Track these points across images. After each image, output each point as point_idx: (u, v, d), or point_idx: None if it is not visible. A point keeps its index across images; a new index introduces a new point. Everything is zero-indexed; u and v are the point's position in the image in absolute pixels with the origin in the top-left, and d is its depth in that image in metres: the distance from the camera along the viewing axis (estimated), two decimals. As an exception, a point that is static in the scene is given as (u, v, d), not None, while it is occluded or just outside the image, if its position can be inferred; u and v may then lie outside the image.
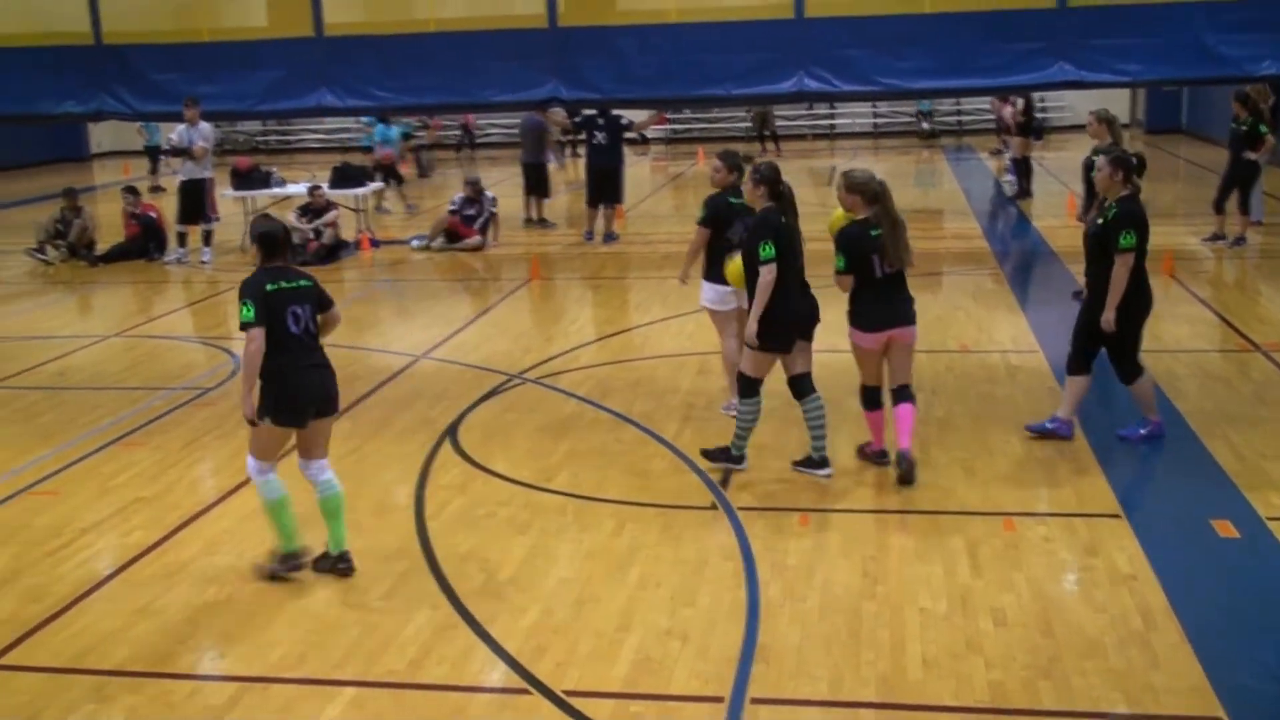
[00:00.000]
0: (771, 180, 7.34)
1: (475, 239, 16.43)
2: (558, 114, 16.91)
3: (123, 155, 31.93)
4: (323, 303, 6.33)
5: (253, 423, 6.18)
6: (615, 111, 16.52)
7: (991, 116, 25.38)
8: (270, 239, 6.24)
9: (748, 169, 7.63)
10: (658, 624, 5.71)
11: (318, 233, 16.00)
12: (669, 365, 9.87)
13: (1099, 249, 7.62)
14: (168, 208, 17.04)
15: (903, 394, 7.46)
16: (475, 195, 16.80)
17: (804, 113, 31.49)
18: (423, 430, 8.70)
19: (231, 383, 10.22)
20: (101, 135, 33.19)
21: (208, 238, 16.18)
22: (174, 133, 16.21)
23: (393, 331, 12.35)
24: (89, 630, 5.84)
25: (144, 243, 16.57)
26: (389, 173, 20.32)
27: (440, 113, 20.75)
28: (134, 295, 14.72)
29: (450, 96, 16.21)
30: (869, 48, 14.64)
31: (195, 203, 16.01)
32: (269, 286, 6.06)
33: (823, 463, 7.53)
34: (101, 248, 16.65)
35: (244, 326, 6.00)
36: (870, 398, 7.63)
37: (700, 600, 5.93)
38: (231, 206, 17.84)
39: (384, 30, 16.11)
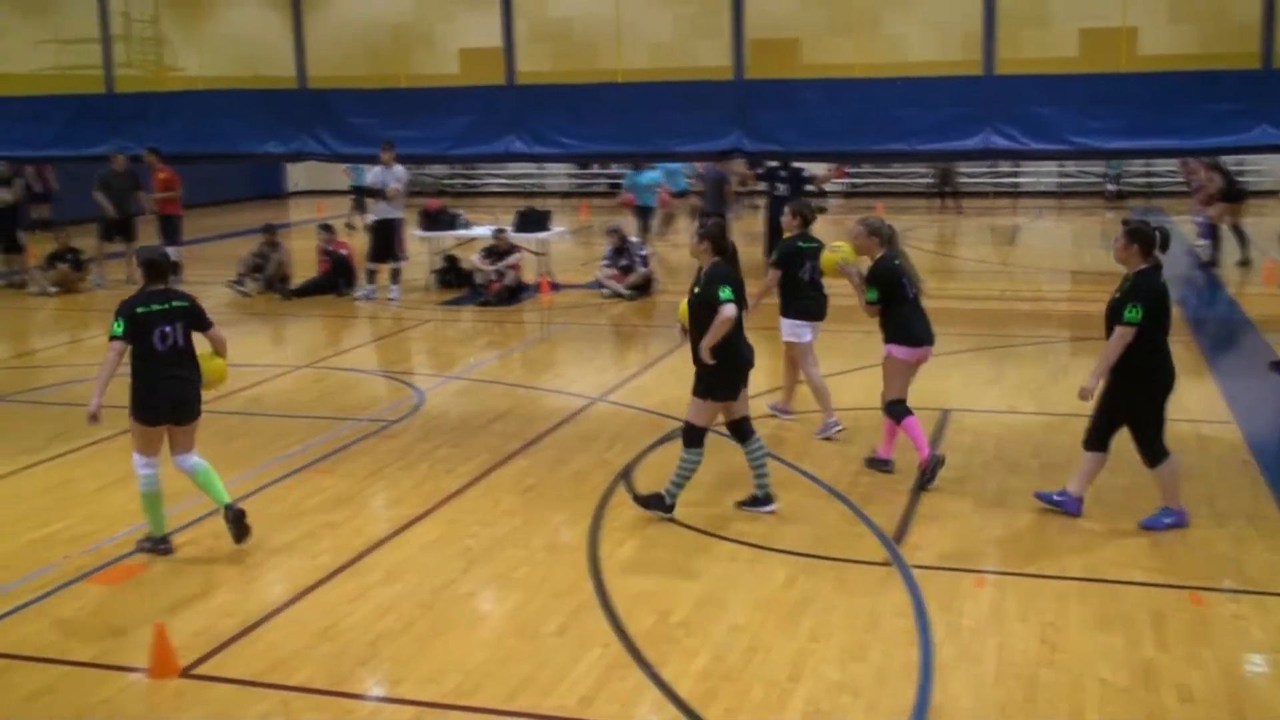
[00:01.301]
0: (717, 238, 7.64)
1: (624, 289, 16.30)
2: (739, 165, 17.02)
3: (318, 194, 33.22)
4: (199, 323, 7.27)
5: (93, 418, 7.09)
6: (796, 164, 16.56)
7: (1182, 180, 24.63)
8: (153, 265, 7.25)
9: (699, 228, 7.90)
10: (828, 677, 5.67)
11: (500, 274, 16.38)
12: (846, 419, 9.82)
13: (1111, 322, 7.37)
14: (359, 246, 17.66)
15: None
16: (620, 244, 16.83)
17: (987, 170, 31.04)
18: (598, 471, 8.82)
19: (415, 417, 10.54)
20: (298, 175, 34.59)
21: (396, 275, 16.72)
22: (370, 174, 16.83)
23: (569, 373, 12.56)
24: (276, 647, 6.07)
25: (335, 278, 17.19)
26: (640, 215, 20.19)
27: (623, 160, 20.86)
28: (324, 328, 15.27)
29: (634, 145, 16.51)
30: (1060, 105, 14.42)
31: (386, 241, 16.57)
32: (139, 309, 7.06)
33: (768, 499, 7.89)
34: (295, 282, 17.33)
35: (111, 338, 7.05)
36: (901, 410, 8.44)
37: (871, 656, 5.87)
38: (419, 246, 18.40)
39: (571, 80, 16.52)
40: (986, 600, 6.52)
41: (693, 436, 7.69)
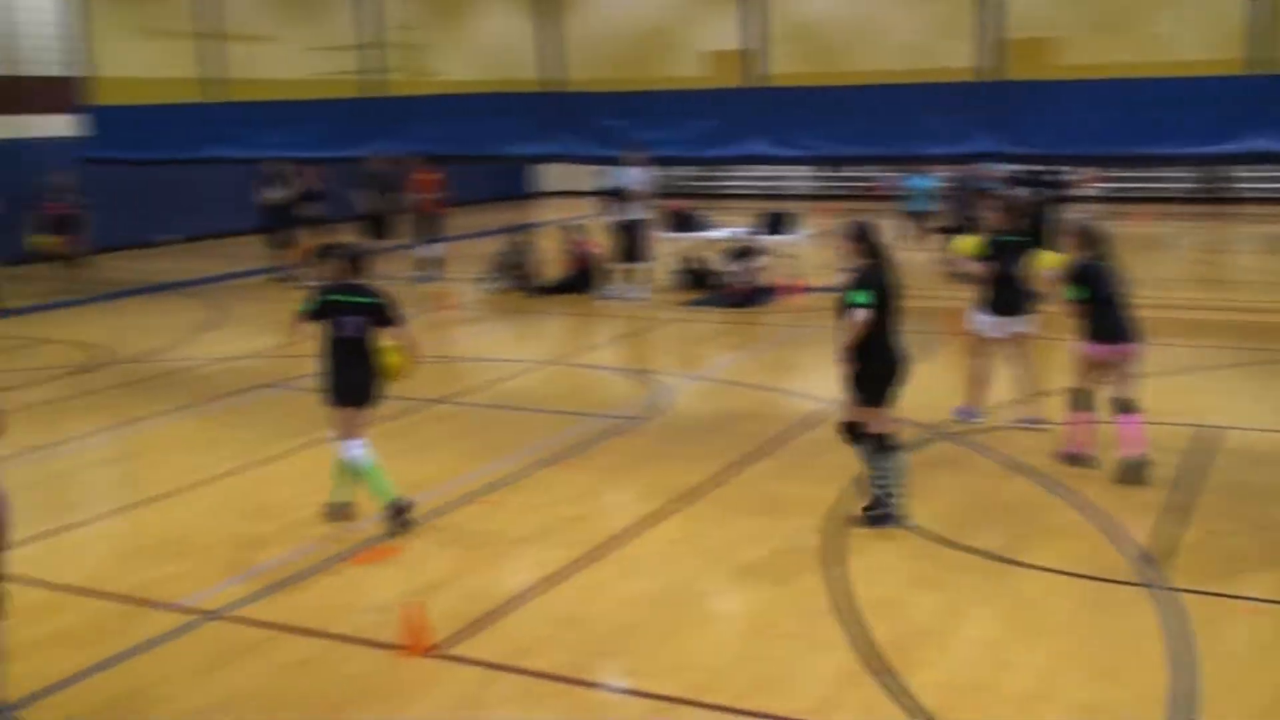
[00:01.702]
0: (863, 238, 7.56)
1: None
2: (989, 170, 16.57)
3: (565, 195, 34.00)
4: (385, 320, 7.63)
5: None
6: (1054, 168, 16.00)
7: None
8: (352, 259, 7.78)
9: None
10: (1077, 698, 5.47)
11: (743, 276, 16.40)
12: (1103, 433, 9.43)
13: None
14: (606, 246, 17.98)
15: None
16: None
17: (1265, 174, 29.29)
18: (839, 475, 8.73)
19: (658, 416, 10.66)
20: (548, 175, 35.49)
21: (641, 276, 16.94)
22: (618, 176, 17.13)
23: (811, 377, 12.47)
24: (520, 633, 6.25)
25: (582, 277, 17.56)
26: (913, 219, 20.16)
27: (869, 164, 20.61)
28: (570, 326, 15.62)
29: (882, 148, 16.26)
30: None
31: (633, 242, 16.83)
32: (329, 296, 7.63)
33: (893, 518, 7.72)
34: (543, 280, 17.77)
35: (298, 314, 7.72)
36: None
37: (1125, 679, 5.63)
38: (664, 247, 18.60)
39: (818, 81, 16.39)
40: (1256, 628, 6.17)
41: (887, 444, 7.63)
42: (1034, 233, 13.51)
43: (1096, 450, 8.70)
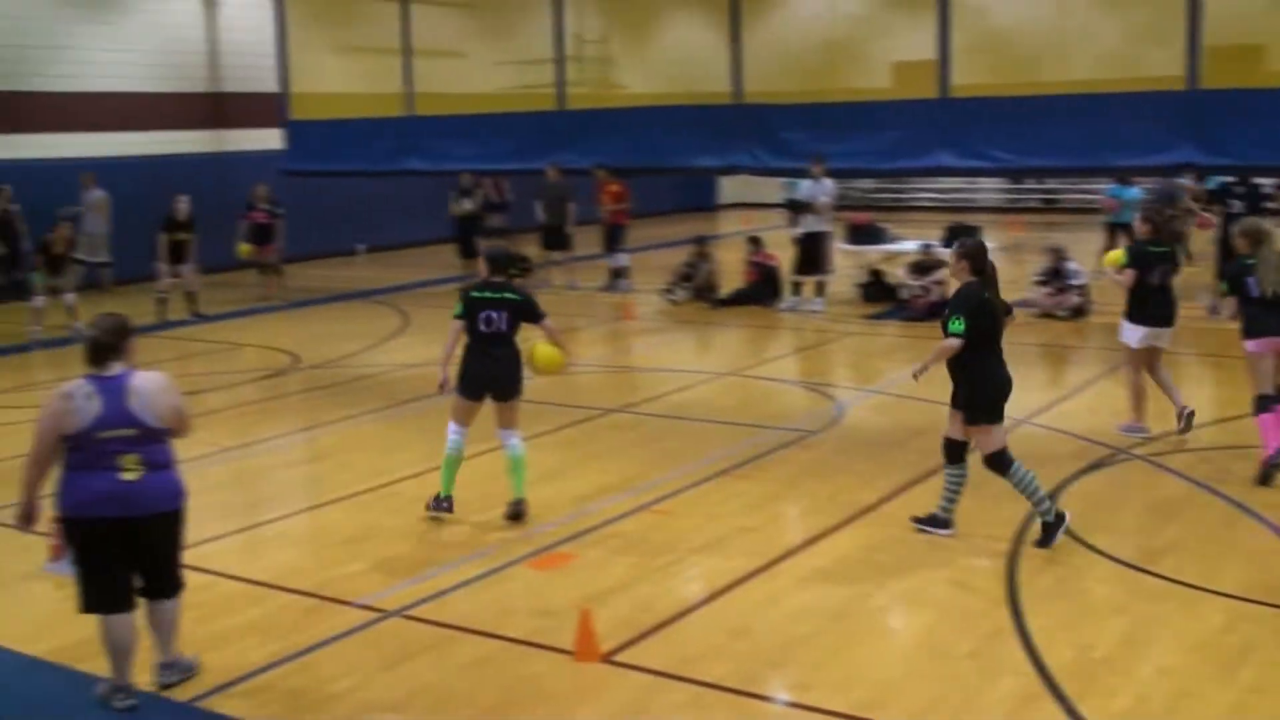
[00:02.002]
0: (975, 256, 7.53)
1: (1059, 310, 15.58)
2: (1187, 182, 15.95)
3: (747, 207, 34.00)
4: (528, 316, 8.07)
5: (440, 387, 8.38)
6: (1256, 180, 15.34)
7: None
8: (492, 259, 8.22)
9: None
10: (1270, 734, 5.22)
11: (926, 289, 16.16)
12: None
13: None
14: (785, 258, 17.91)
15: None
16: (1056, 264, 16.00)
17: None
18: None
19: (834, 429, 10.58)
20: (729, 187, 35.54)
21: (821, 288, 16.84)
22: (800, 188, 17.07)
23: (993, 393, 12.19)
24: (691, 642, 6.27)
25: (762, 289, 17.53)
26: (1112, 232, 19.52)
27: (1061, 176, 19.96)
28: (748, 338, 15.61)
29: (1074, 160, 15.85)
30: None
31: (813, 254, 16.74)
32: (474, 294, 8.06)
33: (946, 524, 7.78)
34: (723, 292, 17.81)
35: (453, 318, 8.12)
36: (1260, 404, 8.69)
37: (1323, 716, 5.36)
38: (845, 260, 18.46)
39: (1008, 92, 16.05)
40: None
41: (997, 462, 7.57)
42: (1224, 243, 12.98)
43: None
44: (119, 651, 5.66)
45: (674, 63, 19.03)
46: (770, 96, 17.76)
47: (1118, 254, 10.41)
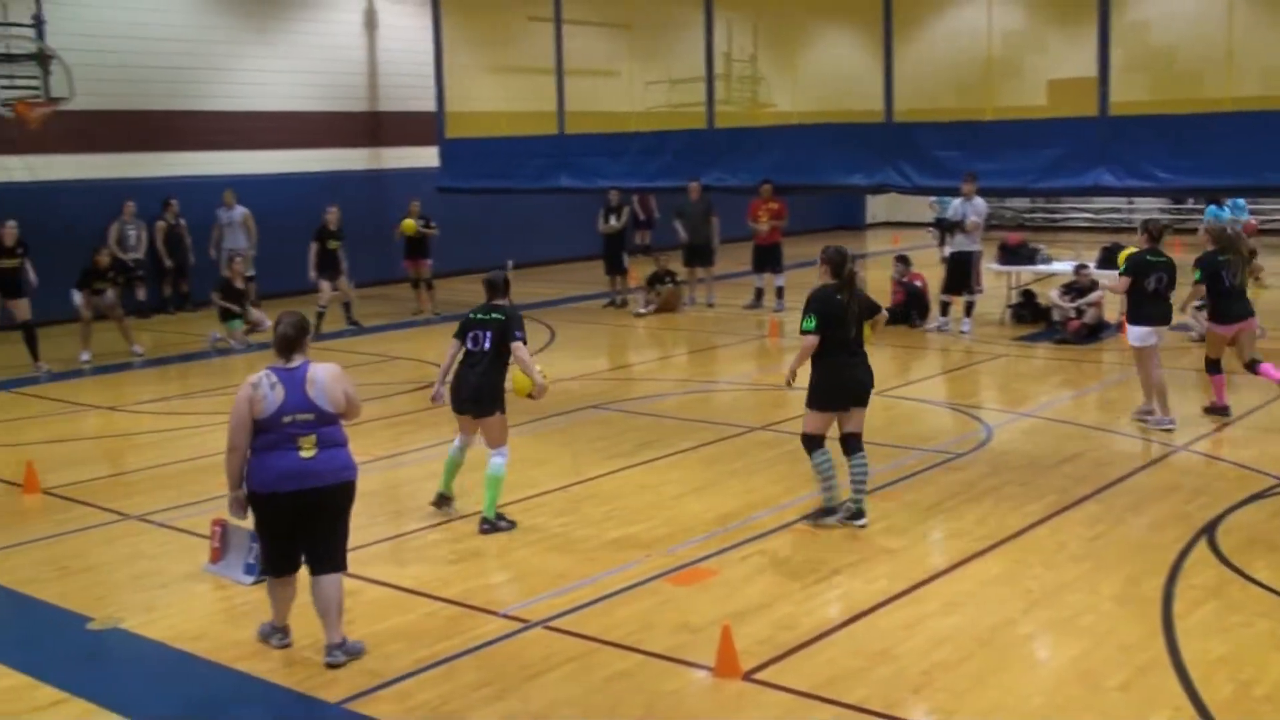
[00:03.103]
0: (834, 262, 8.37)
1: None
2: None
3: (894, 226, 33.65)
4: (505, 335, 8.31)
5: (434, 399, 8.96)
6: None
7: None
8: (489, 284, 8.57)
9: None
10: None
11: (1080, 311, 15.77)
12: None
13: None
14: (933, 277, 17.67)
15: None
16: None
17: None
18: (1178, 524, 8.25)
19: (982, 452, 10.39)
20: (876, 206, 35.20)
21: (969, 309, 16.56)
22: (951, 207, 16.82)
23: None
24: (833, 663, 6.21)
25: (908, 309, 17.31)
26: None
27: (1230, 194, 19.19)
28: (894, 358, 15.40)
29: (1239, 179, 15.30)
30: None
31: (962, 274, 16.47)
32: (470, 315, 8.52)
33: (859, 514, 8.38)
34: (869, 311, 17.61)
35: (454, 336, 8.60)
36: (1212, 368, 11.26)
37: None
38: (995, 280, 18.13)
39: (1172, 109, 15.59)
40: None
41: (807, 443, 8.41)
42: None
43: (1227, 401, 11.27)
44: (280, 602, 6.53)
45: (824, 80, 18.93)
46: (921, 114, 17.53)
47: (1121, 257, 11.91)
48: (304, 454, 6.15)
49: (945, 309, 16.79)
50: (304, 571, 6.51)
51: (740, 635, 6.34)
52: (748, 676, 6.06)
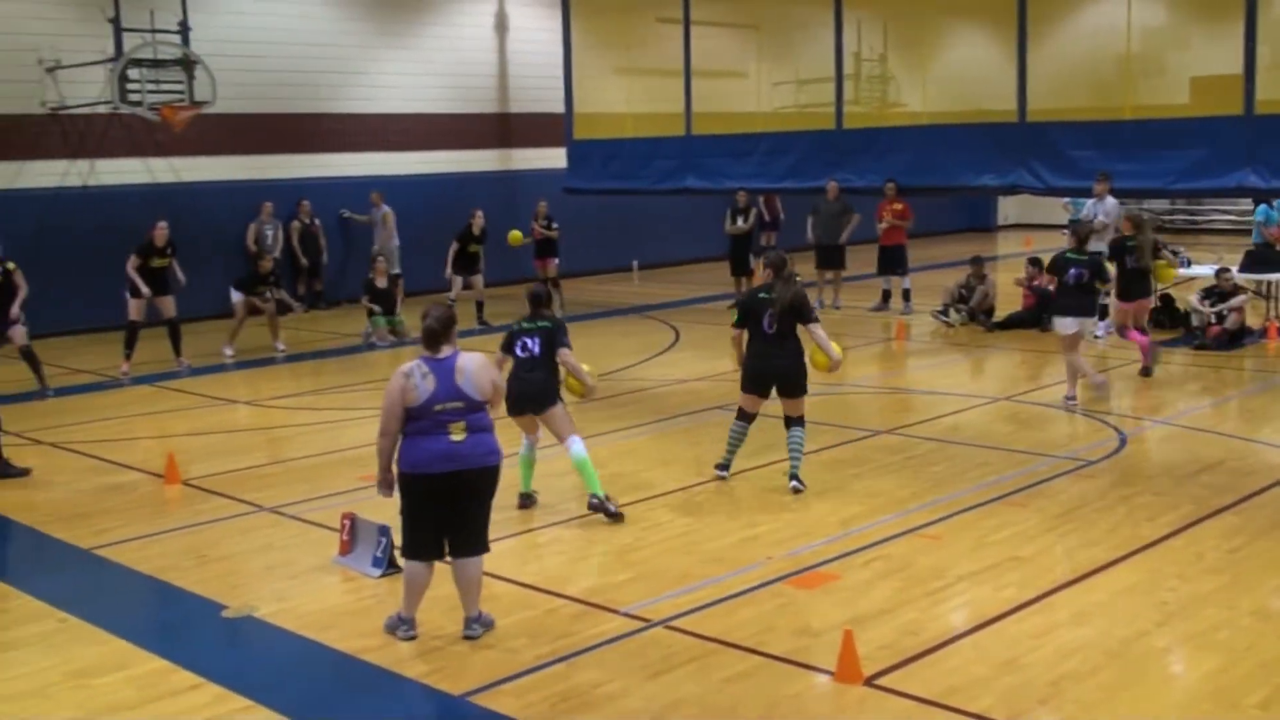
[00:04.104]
0: (777, 265, 9.34)
1: None
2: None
3: (1026, 228, 33.01)
4: (553, 341, 8.77)
5: None
6: None
7: None
8: (534, 298, 9.04)
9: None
10: None
11: (1220, 317, 15.30)
12: None
13: None
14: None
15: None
16: None
17: None
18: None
19: (1115, 459, 10.14)
20: (1009, 208, 34.57)
21: (1104, 313, 16.15)
22: (1084, 208, 16.44)
23: (1294, 428, 11.45)
24: (957, 672, 6.11)
25: (1039, 313, 16.96)
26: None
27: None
28: (1024, 363, 15.12)
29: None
30: None
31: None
32: (514, 326, 8.97)
33: (794, 478, 9.41)
34: (999, 315, 17.32)
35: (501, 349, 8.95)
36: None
37: None
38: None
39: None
40: None
41: (739, 414, 9.59)
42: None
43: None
44: (412, 590, 6.71)
45: (955, 80, 18.65)
46: (1056, 114, 17.15)
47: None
48: (454, 438, 6.44)
49: (1104, 313, 16.30)
50: (428, 565, 6.63)
51: (862, 640, 6.27)
52: (869, 682, 6.00)
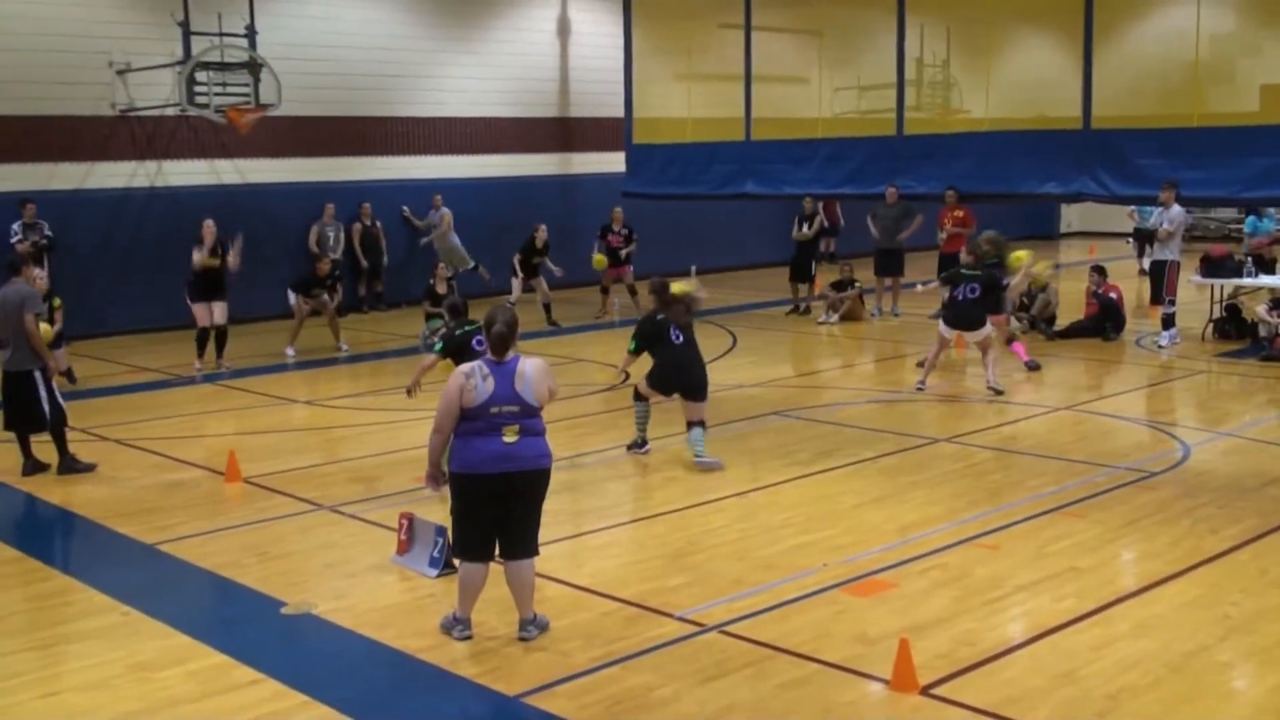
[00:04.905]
0: (659, 291, 10.59)
1: None
2: None
3: (1090, 235, 32.65)
4: None
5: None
6: None
7: None
8: (453, 309, 10.09)
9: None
10: None
11: (1290, 327, 15.05)
12: None
13: None
14: (1129, 289, 17.07)
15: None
16: None
17: None
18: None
19: (1178, 471, 10.00)
20: (1071, 215, 34.20)
21: (1167, 321, 15.95)
22: (1152, 216, 16.24)
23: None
24: (1014, 683, 6.05)
25: (1101, 321, 16.77)
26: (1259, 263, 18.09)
27: None
28: (1086, 372, 14.95)
29: None
30: None
31: (1159, 284, 15.89)
32: (457, 331, 9.70)
33: (643, 443, 10.95)
34: (1061, 323, 17.14)
35: (434, 351, 9.98)
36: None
37: None
38: (1197, 294, 17.42)
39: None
40: None
41: (636, 395, 10.83)
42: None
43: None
44: (468, 591, 6.77)
45: (1018, 86, 18.47)
46: (1122, 121, 16.93)
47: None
48: (507, 439, 6.51)
49: (1169, 321, 16.09)
50: (484, 566, 6.67)
51: (918, 649, 6.23)
52: (925, 691, 5.96)
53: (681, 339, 10.47)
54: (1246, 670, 6.28)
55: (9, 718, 6.04)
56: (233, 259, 15.27)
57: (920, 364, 14.07)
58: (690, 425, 10.44)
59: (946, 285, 13.37)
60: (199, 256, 15.10)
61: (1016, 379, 14.04)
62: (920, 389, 13.27)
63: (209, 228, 15.37)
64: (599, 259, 19.61)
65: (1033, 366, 14.40)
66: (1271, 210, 19.20)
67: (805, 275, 19.95)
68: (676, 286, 10.73)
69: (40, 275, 11.49)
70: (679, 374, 10.48)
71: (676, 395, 10.58)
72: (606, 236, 20.03)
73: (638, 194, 21.94)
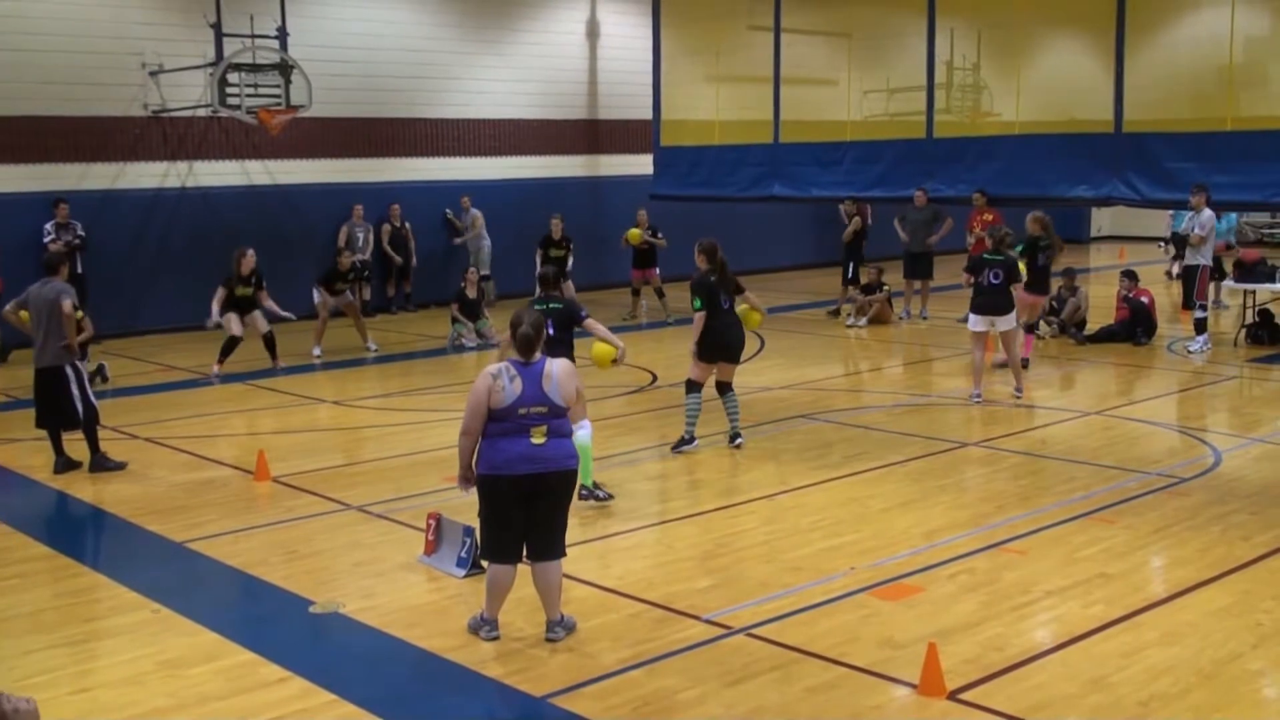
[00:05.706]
0: (709, 252, 10.73)
1: None
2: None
3: (1120, 240, 32.45)
4: (569, 319, 9.47)
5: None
6: None
7: None
8: (542, 279, 9.93)
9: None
10: None
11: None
12: None
13: None
14: (1161, 294, 16.96)
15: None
16: None
17: None
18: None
19: (1209, 477, 9.93)
20: (1102, 219, 34.00)
21: (1199, 325, 15.84)
22: (1183, 220, 16.13)
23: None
24: (1043, 688, 6.02)
25: (1132, 326, 16.67)
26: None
27: None
28: (1116, 377, 14.87)
29: None
30: None
31: (1190, 289, 15.78)
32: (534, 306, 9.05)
33: (736, 435, 11.05)
34: (1091, 328, 17.05)
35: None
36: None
37: None
38: (1229, 299, 17.30)
39: None
40: None
41: (689, 386, 10.88)
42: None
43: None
44: (496, 592, 6.78)
45: (1049, 89, 18.37)
46: (1154, 124, 16.83)
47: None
48: (534, 440, 6.52)
49: (1201, 326, 15.97)
50: (511, 567, 6.68)
51: (946, 654, 6.21)
52: (953, 696, 5.93)
53: (728, 305, 10.73)
54: (1278, 678, 6.22)
55: (41, 713, 6.07)
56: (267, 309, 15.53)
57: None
58: (721, 388, 10.91)
59: (970, 275, 13.30)
60: (222, 296, 15.15)
61: (1048, 381, 13.96)
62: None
63: (248, 261, 15.38)
64: (634, 233, 19.53)
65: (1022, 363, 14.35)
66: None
67: (849, 277, 19.89)
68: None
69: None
70: (726, 339, 10.75)
71: (715, 368, 10.89)
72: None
73: (665, 196, 21.94)
